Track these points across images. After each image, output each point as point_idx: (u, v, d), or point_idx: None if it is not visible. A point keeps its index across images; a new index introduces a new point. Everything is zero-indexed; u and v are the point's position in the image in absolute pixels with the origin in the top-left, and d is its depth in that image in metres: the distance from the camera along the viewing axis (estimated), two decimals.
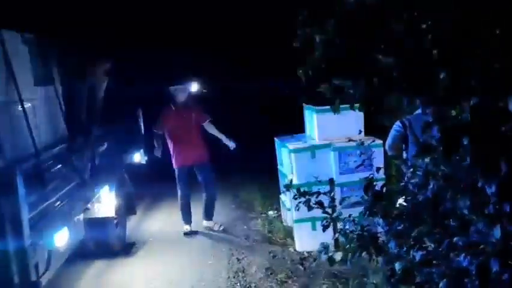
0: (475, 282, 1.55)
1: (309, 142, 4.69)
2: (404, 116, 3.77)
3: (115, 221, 4.60)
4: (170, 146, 5.14)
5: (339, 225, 2.37)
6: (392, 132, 3.76)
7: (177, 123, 5.06)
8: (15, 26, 3.10)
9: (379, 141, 4.26)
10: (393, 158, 3.75)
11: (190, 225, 5.22)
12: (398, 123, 3.75)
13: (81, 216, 4.01)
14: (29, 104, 3.13)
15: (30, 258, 2.79)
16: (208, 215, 5.34)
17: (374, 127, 4.45)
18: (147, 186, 6.34)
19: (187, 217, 5.24)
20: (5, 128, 2.76)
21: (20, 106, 2.93)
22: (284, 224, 5.18)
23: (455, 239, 1.70)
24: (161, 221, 5.80)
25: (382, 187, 2.13)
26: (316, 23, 2.55)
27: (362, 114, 4.47)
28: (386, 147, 3.80)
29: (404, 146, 3.65)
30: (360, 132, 2.74)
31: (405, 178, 2.22)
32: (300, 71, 2.21)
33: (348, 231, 2.34)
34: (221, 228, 5.26)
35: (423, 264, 1.90)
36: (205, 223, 5.32)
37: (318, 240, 2.34)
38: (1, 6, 2.99)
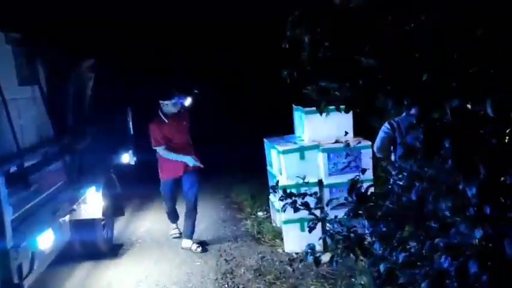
0: (455, 284, 1.56)
1: (298, 143, 4.70)
2: (392, 118, 3.81)
3: (102, 223, 4.57)
4: (160, 158, 4.82)
5: (327, 227, 2.39)
6: (380, 134, 3.78)
7: (170, 135, 4.76)
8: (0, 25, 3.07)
9: (367, 143, 4.29)
10: (381, 160, 3.78)
11: (177, 226, 5.15)
12: (386, 124, 3.77)
13: (67, 218, 3.97)
14: (13, 104, 3.10)
15: (13, 260, 2.76)
16: (187, 233, 4.85)
17: (366, 128, 4.49)
18: (135, 188, 6.30)
19: (173, 219, 5.18)
20: None
21: (3, 106, 2.90)
22: (273, 224, 5.19)
23: (436, 240, 1.72)
24: (149, 223, 5.77)
25: (367, 188, 2.15)
26: (305, 24, 2.56)
27: (350, 115, 4.53)
28: (375, 148, 3.82)
29: (392, 147, 3.67)
30: (346, 133, 2.74)
31: (391, 180, 2.24)
32: (285, 73, 2.22)
33: (334, 232, 2.35)
34: (198, 250, 4.69)
35: (406, 266, 1.92)
36: (184, 243, 4.84)
37: (307, 241, 2.35)
38: None
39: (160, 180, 4.97)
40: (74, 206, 4.03)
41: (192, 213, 4.89)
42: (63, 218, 3.81)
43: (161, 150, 4.78)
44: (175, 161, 4.78)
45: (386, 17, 1.97)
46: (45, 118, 3.66)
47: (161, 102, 4.78)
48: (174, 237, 5.09)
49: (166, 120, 4.78)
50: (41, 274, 3.42)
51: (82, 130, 4.34)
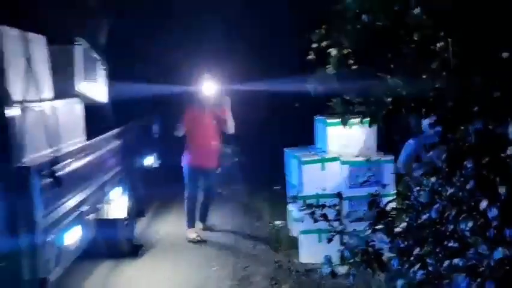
0: None
1: (319, 154, 4.72)
2: (417, 134, 3.78)
3: (125, 223, 4.69)
4: (188, 143, 5.11)
5: (346, 239, 2.40)
6: (405, 150, 3.77)
7: (199, 124, 5.02)
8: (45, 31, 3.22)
9: (389, 157, 4.28)
10: (404, 176, 3.73)
11: (194, 230, 5.23)
12: (411, 140, 3.76)
13: (92, 216, 4.09)
14: (49, 104, 3.24)
15: (40, 255, 2.88)
16: (203, 218, 5.41)
17: (390, 143, 4.48)
18: (157, 190, 6.42)
19: (191, 221, 5.26)
20: (23, 127, 2.86)
21: (39, 106, 3.03)
22: (290, 234, 5.20)
23: (455, 259, 1.72)
24: (169, 225, 5.86)
25: (387, 203, 2.16)
26: (332, 37, 2.61)
27: (374, 129, 4.52)
28: (398, 164, 3.80)
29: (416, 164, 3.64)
30: (368, 148, 2.76)
31: (412, 196, 2.25)
32: (309, 85, 2.27)
33: (352, 245, 2.37)
34: (194, 238, 5.13)
35: (423, 284, 1.92)
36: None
37: (324, 253, 2.37)
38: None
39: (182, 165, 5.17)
40: (100, 206, 4.15)
41: (207, 204, 5.32)
42: (89, 217, 3.93)
43: (178, 127, 5.04)
44: (200, 150, 5.00)
45: (410, 37, 2.01)
46: (79, 120, 3.80)
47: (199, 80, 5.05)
48: (192, 242, 5.11)
49: (198, 107, 5.02)
50: (66, 269, 3.53)
51: (110, 132, 4.47)
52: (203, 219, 5.43)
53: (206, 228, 5.40)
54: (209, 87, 5.05)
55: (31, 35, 3.01)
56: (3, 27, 2.72)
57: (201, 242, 5.15)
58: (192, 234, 5.20)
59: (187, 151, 5.13)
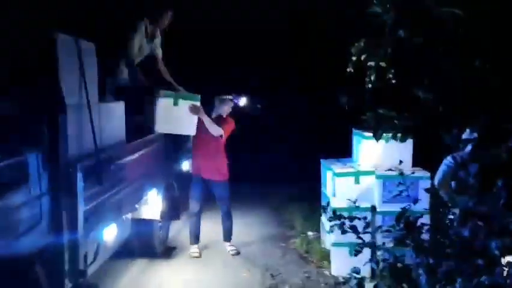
0: None
1: (354, 167, 4.73)
2: (456, 151, 3.72)
3: (159, 224, 4.86)
4: (192, 151, 5.09)
5: (378, 254, 2.42)
6: (442, 167, 3.70)
7: (203, 132, 4.83)
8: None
9: (424, 173, 4.23)
10: (441, 195, 3.67)
11: (197, 247, 5.08)
12: (449, 158, 3.70)
13: (129, 215, 4.29)
14: (95, 107, 3.47)
15: (81, 249, 3.07)
16: (224, 236, 5.21)
17: (428, 159, 4.43)
18: None
19: (194, 237, 5.08)
20: (72, 128, 3.08)
21: (87, 108, 3.25)
22: (322, 246, 5.21)
23: (483, 278, 1.73)
24: (204, 229, 5.98)
25: (416, 219, 2.18)
26: (371, 50, 2.66)
27: (410, 144, 4.49)
28: (435, 182, 3.75)
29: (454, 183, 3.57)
30: (400, 162, 2.78)
31: (445, 214, 2.25)
32: (343, 100, 2.33)
33: (381, 259, 2.39)
34: (232, 252, 5.05)
35: None
36: (224, 244, 5.21)
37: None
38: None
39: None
40: (136, 205, 4.34)
41: (226, 221, 5.15)
42: (126, 215, 4.13)
43: None
44: (201, 160, 4.94)
45: (448, 54, 2.04)
46: (120, 123, 4.02)
47: (216, 97, 5.02)
48: (193, 257, 4.99)
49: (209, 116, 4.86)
50: (102, 265, 3.72)
51: (149, 136, 4.67)
52: (224, 237, 5.21)
53: (232, 248, 5.14)
54: (227, 101, 5.02)
55: (83, 42, 3.24)
56: (58, 34, 2.95)
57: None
58: (191, 249, 5.07)
59: (192, 159, 5.06)
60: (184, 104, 4.72)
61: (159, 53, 5.13)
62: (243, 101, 5.27)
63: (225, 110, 5.03)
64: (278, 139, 10.04)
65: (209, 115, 4.91)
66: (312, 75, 9.91)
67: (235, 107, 5.21)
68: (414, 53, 2.24)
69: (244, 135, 5.50)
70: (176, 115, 4.73)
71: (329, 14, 8.68)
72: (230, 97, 5.11)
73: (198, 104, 4.76)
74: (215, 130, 4.83)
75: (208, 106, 5.02)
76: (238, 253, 5.11)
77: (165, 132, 4.86)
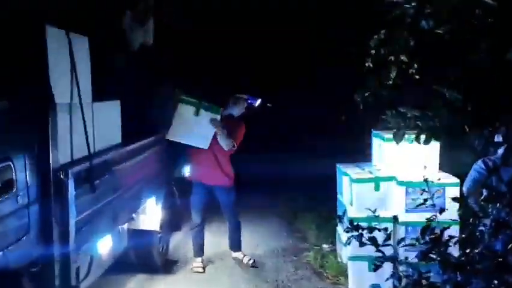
0: None
1: (374, 172, 4.70)
2: (487, 155, 3.66)
3: (159, 235, 4.87)
4: (192, 154, 5.02)
5: (400, 269, 2.39)
6: (472, 173, 3.65)
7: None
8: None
9: (452, 179, 4.19)
10: (470, 204, 3.62)
11: (202, 260, 5.07)
12: (480, 163, 3.64)
13: (126, 226, 4.30)
14: (88, 106, 3.49)
15: (73, 262, 3.08)
16: (234, 245, 5.24)
17: (457, 163, 4.40)
18: None
19: (197, 250, 5.08)
20: (63, 129, 3.10)
21: (79, 108, 3.27)
22: (338, 259, 5.18)
23: None
24: (206, 241, 5.99)
25: (443, 231, 2.15)
26: (393, 43, 2.64)
27: (437, 147, 4.45)
28: (464, 189, 3.71)
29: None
30: (425, 167, 2.75)
31: (476, 225, 2.22)
32: (359, 98, 2.31)
33: (403, 275, 2.36)
34: (250, 262, 5.09)
35: None
36: (232, 254, 5.25)
37: (375, 283, 2.37)
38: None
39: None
40: (134, 215, 4.36)
41: (232, 226, 5.17)
42: (122, 226, 4.14)
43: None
44: (201, 165, 4.92)
45: (477, 46, 2.01)
46: (116, 125, 4.04)
47: (231, 97, 5.04)
48: (196, 272, 4.97)
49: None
50: (97, 280, 3.73)
51: (148, 139, 4.68)
52: (232, 247, 5.23)
53: (237, 257, 5.18)
54: (241, 101, 5.03)
55: (74, 36, 3.26)
56: (47, 27, 2.97)
57: (237, 259, 5.21)
58: (195, 263, 5.04)
59: (192, 164, 5.04)
60: (206, 116, 4.76)
61: (149, 39, 5.06)
62: (258, 102, 5.18)
63: (238, 110, 5.04)
64: (290, 141, 10.05)
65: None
66: (326, 72, 9.94)
67: (250, 108, 5.15)
68: (439, 46, 2.22)
69: (253, 136, 5.49)
70: (194, 126, 4.78)
71: (345, 6, 8.73)
72: (245, 96, 5.11)
73: (219, 117, 4.81)
74: (227, 144, 4.84)
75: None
76: (254, 262, 5.11)
77: (177, 141, 4.89)
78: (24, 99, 2.88)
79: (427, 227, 2.11)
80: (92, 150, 3.37)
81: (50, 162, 2.96)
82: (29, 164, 2.85)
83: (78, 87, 3.27)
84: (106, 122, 3.86)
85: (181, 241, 5.91)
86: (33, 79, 2.93)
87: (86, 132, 3.30)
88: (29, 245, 2.85)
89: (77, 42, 3.31)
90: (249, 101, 5.14)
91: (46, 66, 2.94)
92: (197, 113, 4.78)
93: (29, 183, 2.84)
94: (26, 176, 2.83)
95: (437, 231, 2.21)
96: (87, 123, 3.34)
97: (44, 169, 2.94)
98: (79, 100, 3.27)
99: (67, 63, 3.21)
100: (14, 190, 2.73)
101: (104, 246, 3.61)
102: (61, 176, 2.98)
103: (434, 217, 2.36)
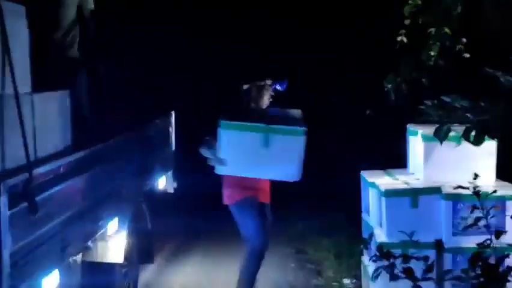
0: None
1: (410, 183, 4.70)
2: None
3: (124, 270, 4.88)
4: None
5: None
6: None
7: None
8: None
9: None
10: None
11: None
12: None
13: (78, 258, 4.30)
14: (27, 98, 3.49)
15: None
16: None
17: None
18: (173, 224, 6.61)
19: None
20: None
21: (14, 101, 3.27)
22: None
23: None
24: (187, 277, 6.01)
25: (499, 260, 2.17)
26: (436, 11, 2.65)
27: (494, 148, 4.46)
28: None
29: None
30: (476, 176, 2.76)
31: None
32: (389, 85, 2.32)
33: None
34: None
35: None
36: None
37: None
38: None
39: (232, 204, 5.02)
40: (89, 243, 4.36)
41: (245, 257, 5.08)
42: (74, 258, 4.14)
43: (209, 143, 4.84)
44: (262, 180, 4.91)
45: None
46: (65, 120, 4.05)
47: (251, 85, 5.03)
48: None
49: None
50: None
51: (106, 141, 4.68)
52: None
53: None
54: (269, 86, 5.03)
55: (7, 5, 3.27)
56: None
57: None
58: None
59: (237, 181, 4.94)
60: (280, 142, 4.59)
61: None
62: (284, 86, 5.07)
63: (265, 100, 5.06)
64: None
65: (241, 109, 4.93)
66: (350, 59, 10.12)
67: (278, 95, 5.12)
68: (495, 15, 2.24)
69: None
70: (266, 157, 4.61)
71: None
72: (269, 82, 5.08)
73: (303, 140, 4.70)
74: None
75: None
76: None
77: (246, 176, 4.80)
78: None
79: (478, 255, 2.13)
80: (32, 157, 3.37)
81: None
82: None
83: (13, 74, 3.27)
84: (51, 119, 3.87)
85: (155, 276, 5.92)
86: None
87: (23, 133, 3.30)
88: None
89: (10, 13, 3.31)
90: (276, 86, 5.08)
91: None
92: (266, 143, 4.58)
93: None
94: None
95: (493, 259, 2.22)
96: (25, 121, 3.33)
97: None
98: (14, 90, 3.27)
99: None
100: None
101: (50, 285, 3.61)
102: None
103: (489, 241, 2.38)
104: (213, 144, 4.79)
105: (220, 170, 4.76)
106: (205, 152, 4.89)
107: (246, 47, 10.33)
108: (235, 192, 4.95)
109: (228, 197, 5.01)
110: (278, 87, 5.04)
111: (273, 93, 5.10)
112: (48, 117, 3.80)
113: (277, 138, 4.59)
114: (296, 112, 5.02)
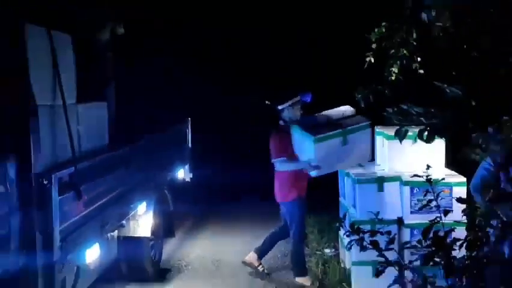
0: None
1: (377, 172, 4.70)
2: (497, 152, 3.67)
3: (151, 243, 4.88)
4: (281, 174, 4.89)
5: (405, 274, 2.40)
6: (480, 171, 3.65)
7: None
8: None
9: (458, 178, 4.20)
10: (477, 203, 3.63)
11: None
12: (488, 160, 3.64)
13: (115, 234, 4.30)
14: (73, 108, 3.49)
15: (57, 273, 3.08)
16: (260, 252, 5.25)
17: (464, 161, 4.40)
18: (189, 207, 6.61)
19: (303, 268, 5.03)
20: (45, 133, 3.10)
21: (62, 110, 3.27)
22: (341, 265, 5.19)
23: None
24: (201, 248, 6.01)
25: (446, 233, 2.16)
26: (396, 37, 2.64)
27: (442, 144, 4.46)
28: (471, 188, 3.72)
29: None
30: (428, 167, 2.75)
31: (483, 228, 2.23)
32: (359, 95, 2.31)
33: (408, 280, 2.37)
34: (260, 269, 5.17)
35: None
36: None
37: None
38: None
39: (286, 202, 4.94)
40: (123, 222, 4.36)
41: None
42: (111, 233, 4.14)
43: (279, 163, 4.78)
44: (299, 178, 4.84)
45: (482, 40, 2.02)
46: (103, 125, 4.05)
47: (280, 108, 4.89)
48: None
49: (286, 131, 4.74)
50: None
51: (137, 140, 4.69)
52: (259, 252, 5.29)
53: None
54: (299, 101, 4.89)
55: (56, 34, 3.27)
56: (27, 25, 2.97)
57: (237, 267, 5.23)
58: (308, 282, 4.97)
59: (291, 182, 4.86)
60: (355, 138, 4.57)
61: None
62: (309, 97, 4.96)
63: (298, 113, 4.94)
64: None
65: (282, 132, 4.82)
66: (324, 71, 10.04)
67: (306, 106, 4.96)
68: (442, 40, 2.23)
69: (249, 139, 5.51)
70: (344, 153, 4.60)
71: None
72: (298, 98, 4.92)
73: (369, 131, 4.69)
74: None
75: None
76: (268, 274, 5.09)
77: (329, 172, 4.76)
78: (4, 102, 2.89)
79: (429, 229, 2.12)
80: (77, 154, 3.38)
81: (32, 167, 2.96)
82: (9, 170, 2.85)
83: (61, 88, 3.27)
84: (91, 124, 3.87)
85: (174, 248, 5.92)
86: (13, 80, 2.93)
87: (70, 135, 3.30)
88: (10, 256, 2.85)
89: (59, 40, 3.31)
90: (304, 99, 4.94)
91: (26, 67, 2.94)
92: (345, 142, 4.55)
93: (9, 190, 2.84)
94: (6, 182, 2.82)
95: (442, 233, 2.22)
96: (71, 125, 3.34)
97: (25, 174, 2.94)
98: (62, 101, 3.27)
99: (49, 62, 3.21)
100: None
101: (92, 255, 3.61)
102: (44, 182, 2.97)
103: (439, 219, 2.37)
104: (287, 159, 4.73)
105: (315, 173, 4.66)
106: (288, 165, 4.77)
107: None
108: (292, 192, 4.88)
109: (285, 196, 4.92)
110: (305, 99, 4.98)
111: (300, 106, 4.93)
112: (90, 122, 3.81)
113: (352, 136, 4.60)
114: (347, 108, 4.84)
